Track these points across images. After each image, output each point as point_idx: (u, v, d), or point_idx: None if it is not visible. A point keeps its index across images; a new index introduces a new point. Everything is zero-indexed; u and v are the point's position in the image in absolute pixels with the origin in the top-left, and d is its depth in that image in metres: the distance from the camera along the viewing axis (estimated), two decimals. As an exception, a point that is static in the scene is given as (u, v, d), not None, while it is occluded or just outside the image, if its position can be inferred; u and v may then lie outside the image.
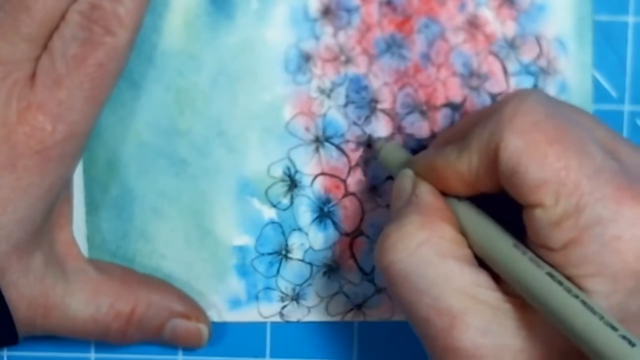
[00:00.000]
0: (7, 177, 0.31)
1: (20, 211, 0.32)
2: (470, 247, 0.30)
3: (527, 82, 0.36)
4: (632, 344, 0.25)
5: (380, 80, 0.36)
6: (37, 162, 0.31)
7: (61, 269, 0.34)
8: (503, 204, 0.29)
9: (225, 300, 0.37)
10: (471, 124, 0.31)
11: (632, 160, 0.29)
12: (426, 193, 0.31)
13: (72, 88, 0.31)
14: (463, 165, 0.30)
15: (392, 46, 0.36)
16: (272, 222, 0.37)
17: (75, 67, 0.31)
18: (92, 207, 0.36)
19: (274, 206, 0.36)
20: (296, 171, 0.36)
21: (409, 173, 0.32)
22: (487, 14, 0.36)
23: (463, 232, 0.31)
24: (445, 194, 0.31)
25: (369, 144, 0.36)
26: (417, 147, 0.36)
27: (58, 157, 0.32)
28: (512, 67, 0.36)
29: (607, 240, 0.27)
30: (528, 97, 0.29)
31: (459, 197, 0.31)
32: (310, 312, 0.37)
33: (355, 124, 0.36)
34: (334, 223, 0.37)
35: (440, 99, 0.36)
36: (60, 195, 0.33)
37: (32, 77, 0.31)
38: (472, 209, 0.31)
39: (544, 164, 0.28)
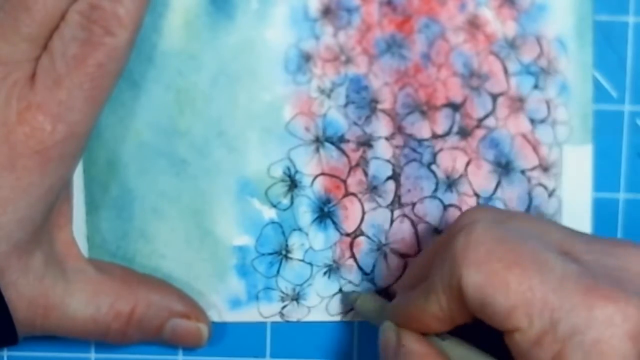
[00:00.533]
0: (7, 177, 0.31)
1: (20, 211, 0.32)
2: None
3: (527, 82, 0.36)
4: None
5: (381, 80, 0.36)
6: (37, 162, 0.31)
7: (61, 269, 0.34)
8: (486, 327, 0.29)
9: (225, 300, 0.37)
10: (429, 260, 0.31)
11: (590, 256, 0.29)
12: (412, 342, 0.31)
13: (72, 88, 0.31)
14: (434, 307, 0.30)
15: (393, 46, 0.36)
16: (272, 222, 0.37)
17: (75, 67, 0.31)
18: (92, 207, 0.36)
19: (274, 206, 0.36)
20: (296, 171, 0.36)
21: (390, 326, 0.32)
22: (488, 14, 0.36)
23: None
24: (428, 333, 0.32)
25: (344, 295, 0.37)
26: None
27: (58, 157, 0.32)
28: (512, 67, 0.36)
29: (589, 346, 0.27)
30: (476, 225, 0.29)
31: (442, 335, 0.31)
32: (310, 312, 0.37)
33: (355, 124, 0.36)
34: (334, 223, 0.37)
35: (440, 99, 0.36)
36: (60, 195, 0.33)
37: (32, 77, 0.31)
38: (458, 344, 0.31)
39: (508, 291, 0.28)
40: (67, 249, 0.35)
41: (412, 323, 0.31)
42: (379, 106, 0.36)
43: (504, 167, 0.37)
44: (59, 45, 0.31)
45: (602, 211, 0.37)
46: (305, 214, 0.37)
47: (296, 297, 0.37)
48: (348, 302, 0.37)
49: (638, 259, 0.29)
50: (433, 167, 0.37)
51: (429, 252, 0.33)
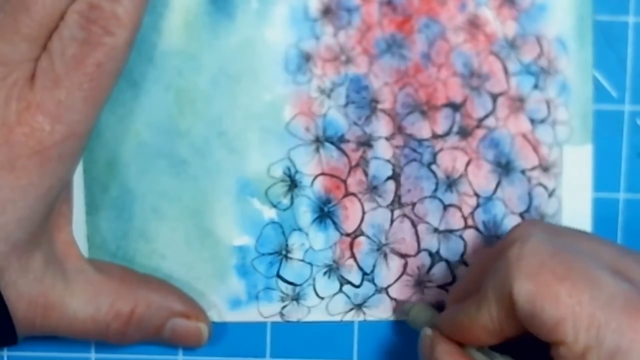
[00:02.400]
0: (6, 177, 0.31)
1: (19, 211, 0.32)
2: None
3: (527, 82, 0.36)
4: None
5: (381, 80, 0.36)
6: (36, 162, 0.31)
7: (61, 269, 0.34)
8: (535, 343, 0.30)
9: (225, 300, 0.37)
10: (481, 271, 0.32)
11: None
12: (444, 354, 0.32)
13: (71, 88, 0.31)
14: (485, 318, 0.31)
15: (393, 46, 0.36)
16: (272, 222, 0.36)
17: (75, 67, 0.31)
18: (92, 207, 0.36)
19: (274, 206, 0.36)
20: (296, 171, 0.36)
21: (427, 332, 0.34)
22: (488, 14, 0.36)
23: None
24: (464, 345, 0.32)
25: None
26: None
27: (57, 157, 0.32)
28: (512, 67, 0.36)
29: None
30: (530, 237, 0.30)
31: (487, 352, 0.32)
32: (310, 312, 0.37)
33: (355, 124, 0.36)
34: (334, 223, 0.37)
35: (440, 99, 0.36)
36: (59, 196, 0.33)
37: (31, 78, 0.31)
38: None
39: (557, 303, 0.28)
40: (66, 249, 0.35)
41: (461, 334, 0.32)
42: (379, 106, 0.36)
43: (504, 167, 0.37)
44: (58, 46, 0.31)
45: (602, 211, 0.37)
46: (305, 214, 0.37)
47: (296, 297, 0.37)
48: (402, 312, 0.37)
49: None
50: (433, 167, 0.37)
51: (479, 265, 0.34)
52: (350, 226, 0.37)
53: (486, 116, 0.37)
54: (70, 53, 0.31)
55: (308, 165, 0.36)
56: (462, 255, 0.37)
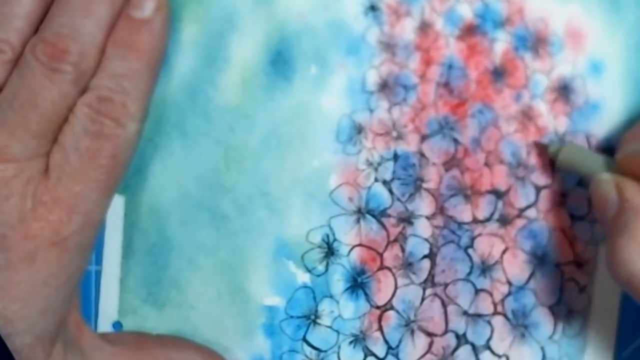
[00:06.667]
0: (27, 270, 0.31)
1: (41, 303, 0.31)
2: None
3: (572, 178, 0.37)
4: None
5: (429, 160, 0.36)
6: (55, 254, 0.31)
7: (79, 351, 0.33)
8: None
9: (249, 358, 0.37)
10: None
11: None
12: (637, 195, 0.31)
13: (87, 181, 0.31)
14: None
15: (445, 128, 0.36)
16: (305, 287, 0.37)
17: (90, 160, 0.31)
18: (128, 250, 0.36)
19: (309, 271, 0.37)
20: (335, 239, 0.36)
21: (606, 177, 0.33)
22: (542, 107, 0.37)
23: None
24: None
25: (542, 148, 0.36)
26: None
27: (75, 247, 0.31)
28: (560, 162, 0.37)
29: None
30: None
31: None
32: (330, 376, 0.38)
33: (398, 200, 0.37)
34: (366, 294, 0.37)
35: (485, 185, 0.37)
36: (78, 284, 0.33)
37: (44, 172, 0.31)
38: None
39: None
40: (78, 330, 0.34)
41: None
42: (424, 185, 0.37)
43: (539, 259, 0.37)
44: (71, 139, 0.31)
45: (633, 310, 0.37)
46: (338, 282, 0.37)
47: (318, 361, 0.37)
48: (549, 154, 0.36)
49: None
50: (470, 250, 0.37)
51: None
52: (381, 299, 0.37)
53: (528, 207, 0.37)
54: (84, 146, 0.31)
55: (347, 235, 0.36)
56: (488, 340, 0.37)
